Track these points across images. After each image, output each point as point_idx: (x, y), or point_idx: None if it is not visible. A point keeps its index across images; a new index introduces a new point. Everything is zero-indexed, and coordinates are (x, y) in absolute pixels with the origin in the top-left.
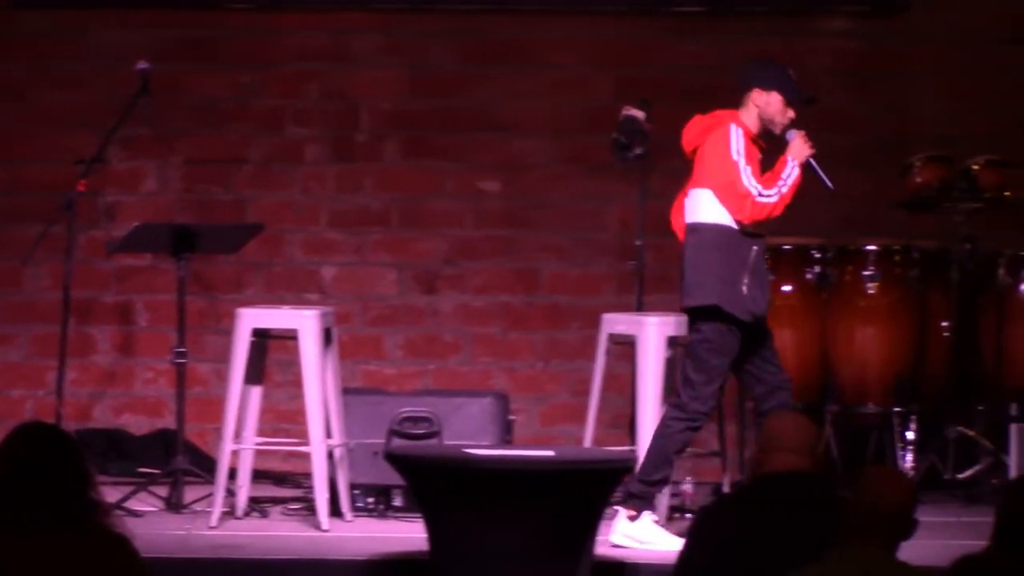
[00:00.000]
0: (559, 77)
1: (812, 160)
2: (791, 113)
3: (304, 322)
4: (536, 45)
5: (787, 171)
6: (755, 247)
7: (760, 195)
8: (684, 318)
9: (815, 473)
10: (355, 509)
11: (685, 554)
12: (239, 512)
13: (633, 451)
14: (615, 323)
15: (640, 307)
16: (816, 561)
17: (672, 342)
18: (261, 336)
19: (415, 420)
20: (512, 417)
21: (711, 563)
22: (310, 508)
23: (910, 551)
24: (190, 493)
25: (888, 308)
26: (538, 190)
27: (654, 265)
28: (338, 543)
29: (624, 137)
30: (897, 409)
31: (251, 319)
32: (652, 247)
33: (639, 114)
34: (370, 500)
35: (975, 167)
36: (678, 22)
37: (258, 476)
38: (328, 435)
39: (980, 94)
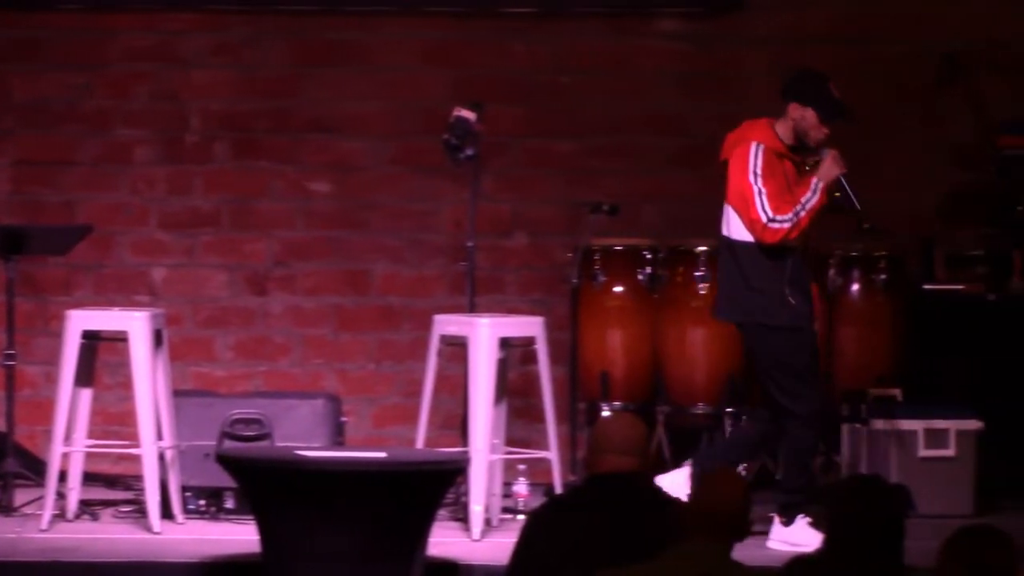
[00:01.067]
0: (390, 78)
1: (843, 179)
2: (826, 129)
3: (134, 324)
4: (367, 46)
5: (808, 195)
6: (790, 258)
7: (771, 221)
8: (516, 319)
9: (644, 473)
10: (187, 511)
11: (517, 555)
12: (70, 515)
13: (465, 452)
14: (447, 324)
15: (472, 308)
16: (650, 559)
17: (504, 343)
18: (91, 338)
19: (246, 422)
20: (344, 419)
21: (543, 564)
22: (141, 510)
23: (743, 551)
24: (20, 496)
25: None
26: (369, 191)
27: (486, 266)
28: (170, 545)
29: (455, 138)
30: (728, 409)
31: (81, 321)
32: (483, 248)
33: (470, 115)
34: (202, 502)
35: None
36: (510, 23)
37: (89, 479)
38: (159, 437)
39: None
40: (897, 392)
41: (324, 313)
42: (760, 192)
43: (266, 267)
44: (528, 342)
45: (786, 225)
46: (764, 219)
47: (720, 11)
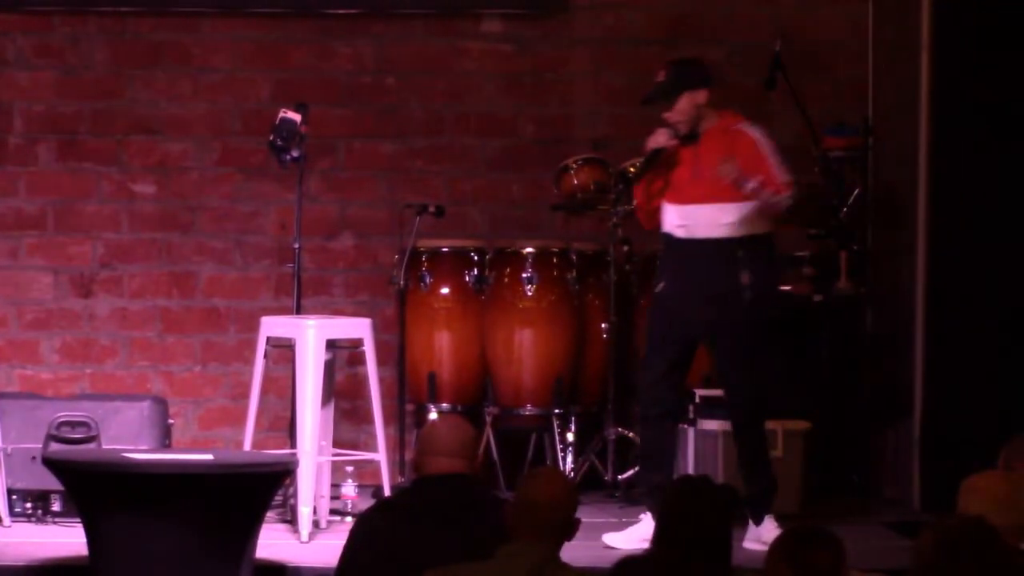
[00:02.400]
0: (214, 79)
1: (653, 155)
2: (668, 114)
3: None
4: (190, 47)
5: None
6: (664, 239)
7: None
8: (343, 321)
9: (472, 475)
10: (13, 514)
11: (346, 557)
12: None
13: (293, 454)
14: (273, 326)
15: (299, 310)
16: (479, 560)
17: (331, 345)
18: None
19: (73, 424)
20: (171, 421)
21: (372, 565)
22: None
23: (571, 551)
24: None
25: (546, 310)
26: (194, 193)
27: (312, 267)
28: None
29: (280, 140)
30: (556, 411)
31: None
32: (309, 250)
33: (295, 117)
34: (28, 505)
35: (631, 169)
36: (334, 23)
37: None
38: None
39: (635, 96)
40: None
41: (150, 315)
42: None
43: (91, 269)
44: (355, 344)
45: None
46: None
47: (543, 12)
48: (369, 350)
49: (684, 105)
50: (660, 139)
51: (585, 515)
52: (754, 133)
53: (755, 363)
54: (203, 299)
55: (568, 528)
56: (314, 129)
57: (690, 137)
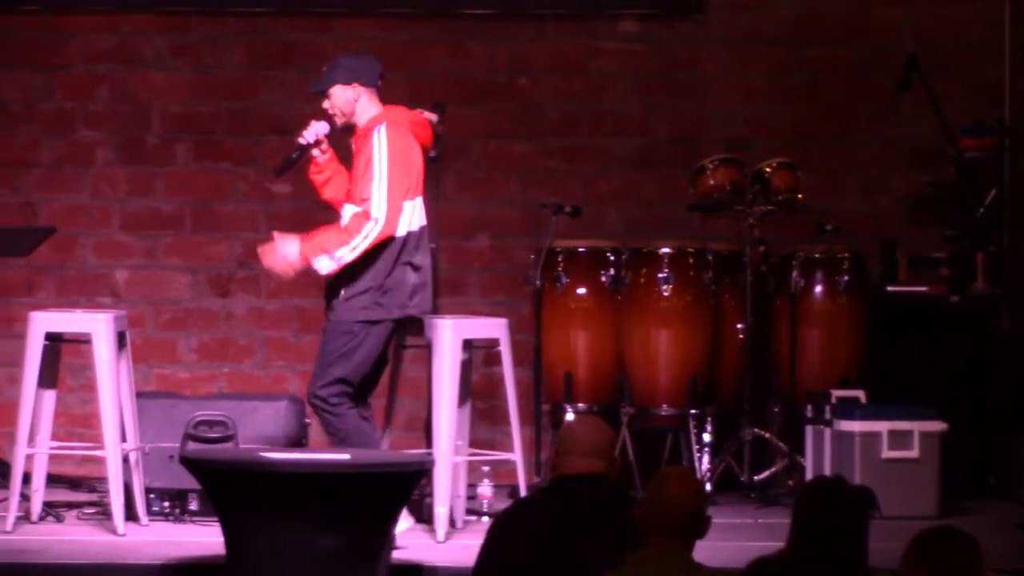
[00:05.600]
0: None
1: (300, 147)
2: None
3: (97, 326)
4: (325, 48)
5: None
6: None
7: None
8: (480, 321)
9: (610, 476)
10: (151, 513)
11: (483, 557)
12: (34, 517)
13: (430, 454)
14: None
15: (435, 310)
16: (614, 566)
17: (467, 345)
18: (54, 340)
19: (210, 424)
20: (307, 420)
21: (508, 566)
22: (105, 512)
23: (705, 552)
24: None
25: (682, 310)
26: None
27: (448, 267)
28: (134, 547)
29: None
30: (693, 411)
31: (44, 323)
32: (446, 250)
33: (432, 117)
34: (166, 504)
35: (768, 169)
36: (468, 24)
37: (52, 480)
38: (123, 439)
39: (771, 96)
40: (861, 394)
41: (287, 315)
42: None
43: (228, 269)
44: (492, 344)
45: None
46: None
47: (679, 13)
48: (505, 350)
49: (335, 99)
50: (309, 133)
51: (721, 516)
52: (378, 142)
53: (327, 360)
54: None
55: (699, 526)
56: (449, 129)
57: (349, 130)
